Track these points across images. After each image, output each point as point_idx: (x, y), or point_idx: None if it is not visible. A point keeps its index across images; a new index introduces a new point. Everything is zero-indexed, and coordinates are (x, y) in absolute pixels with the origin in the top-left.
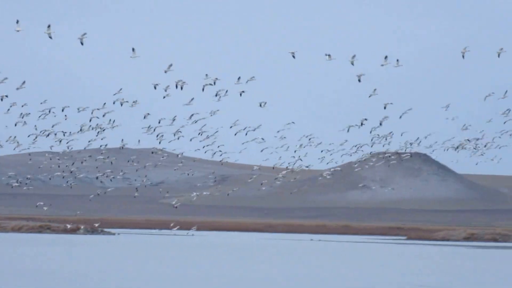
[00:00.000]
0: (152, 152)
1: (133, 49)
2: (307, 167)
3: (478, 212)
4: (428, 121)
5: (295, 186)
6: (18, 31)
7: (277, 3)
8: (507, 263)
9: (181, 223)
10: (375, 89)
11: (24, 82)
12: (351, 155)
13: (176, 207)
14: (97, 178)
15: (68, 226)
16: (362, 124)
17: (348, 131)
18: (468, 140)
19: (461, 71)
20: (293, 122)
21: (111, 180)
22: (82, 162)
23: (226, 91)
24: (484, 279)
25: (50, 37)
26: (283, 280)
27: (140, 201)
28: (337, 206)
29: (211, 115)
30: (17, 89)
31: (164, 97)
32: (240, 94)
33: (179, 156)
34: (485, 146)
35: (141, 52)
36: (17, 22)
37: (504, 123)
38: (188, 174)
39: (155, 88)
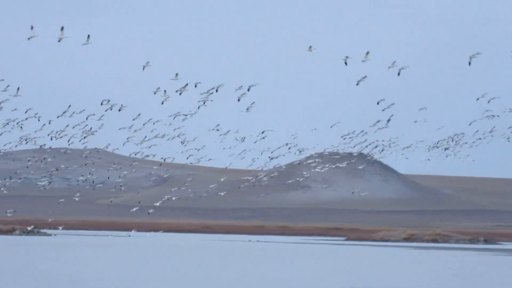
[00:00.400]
0: (99, 150)
1: (147, 63)
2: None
3: (420, 213)
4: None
5: (234, 187)
6: (61, 39)
7: (280, 10)
8: (442, 263)
9: (119, 225)
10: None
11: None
12: (296, 153)
13: (149, 213)
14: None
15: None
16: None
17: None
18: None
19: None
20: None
21: (49, 181)
22: (29, 163)
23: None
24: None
25: (59, 40)
26: (215, 282)
27: (79, 202)
28: (277, 206)
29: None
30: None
31: (162, 103)
32: (238, 99)
33: (111, 151)
34: (455, 146)
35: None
36: (62, 29)
37: (470, 124)
38: (125, 175)
39: (154, 93)
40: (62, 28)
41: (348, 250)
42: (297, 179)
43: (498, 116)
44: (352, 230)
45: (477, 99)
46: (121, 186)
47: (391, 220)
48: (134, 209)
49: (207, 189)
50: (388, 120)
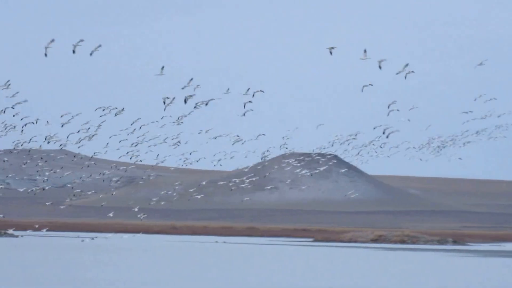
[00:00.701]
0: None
1: (162, 67)
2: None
3: (387, 214)
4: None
5: (201, 187)
6: (96, 50)
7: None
8: (409, 264)
9: (86, 226)
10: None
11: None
12: (265, 154)
13: (141, 219)
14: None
15: None
16: None
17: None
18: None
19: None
20: None
21: (14, 181)
22: None
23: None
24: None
25: (74, 51)
26: (179, 283)
27: (45, 203)
28: (244, 207)
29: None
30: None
31: (164, 109)
32: (244, 106)
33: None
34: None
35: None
36: (99, 46)
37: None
38: (91, 175)
39: (164, 102)
40: (81, 40)
41: (316, 251)
42: (265, 179)
43: (495, 99)
44: (320, 231)
45: (475, 100)
46: (85, 187)
47: (359, 221)
48: (111, 214)
49: (174, 189)
50: (387, 136)
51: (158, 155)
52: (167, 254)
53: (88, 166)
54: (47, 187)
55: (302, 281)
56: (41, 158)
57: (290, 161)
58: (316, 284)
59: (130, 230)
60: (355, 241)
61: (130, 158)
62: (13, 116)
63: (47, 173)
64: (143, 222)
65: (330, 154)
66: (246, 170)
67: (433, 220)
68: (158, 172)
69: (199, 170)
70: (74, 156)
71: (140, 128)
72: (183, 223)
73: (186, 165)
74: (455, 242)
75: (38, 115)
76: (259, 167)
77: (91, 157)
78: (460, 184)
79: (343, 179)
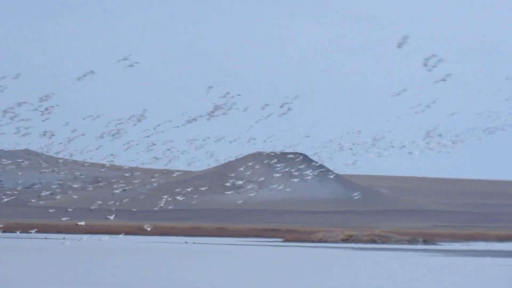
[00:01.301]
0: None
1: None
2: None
3: (357, 213)
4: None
5: (168, 187)
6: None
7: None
8: (379, 264)
9: (54, 227)
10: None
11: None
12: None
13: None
14: None
15: None
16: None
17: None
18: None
19: None
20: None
21: None
22: None
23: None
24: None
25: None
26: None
27: (10, 204)
28: (213, 207)
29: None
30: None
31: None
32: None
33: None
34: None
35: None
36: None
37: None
38: (58, 177)
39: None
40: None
41: (285, 251)
42: (232, 179)
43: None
44: (290, 231)
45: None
46: (53, 187)
47: (329, 220)
48: (78, 221)
49: (143, 190)
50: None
51: (133, 155)
52: (135, 256)
53: (54, 167)
54: (12, 188)
55: (273, 280)
56: (5, 158)
57: (259, 161)
58: (286, 284)
59: (98, 231)
60: (325, 241)
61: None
62: None
63: (11, 174)
64: (110, 223)
65: (299, 153)
66: (214, 170)
67: (403, 219)
68: (125, 172)
69: (168, 170)
70: (38, 157)
71: (115, 126)
72: (151, 223)
73: (155, 165)
74: (425, 241)
75: None
76: (227, 167)
77: (61, 158)
78: (430, 183)
79: (313, 178)
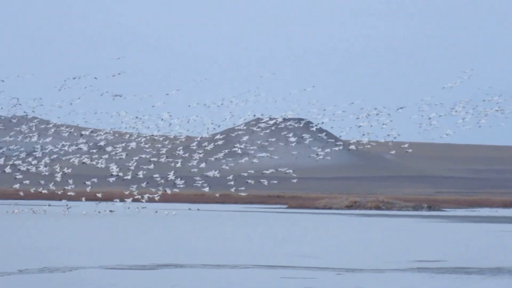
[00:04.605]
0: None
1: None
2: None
3: (362, 179)
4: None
5: (171, 154)
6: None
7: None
8: (385, 230)
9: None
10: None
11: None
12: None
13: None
14: None
15: None
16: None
17: None
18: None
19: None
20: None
21: None
22: None
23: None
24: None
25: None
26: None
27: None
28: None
29: None
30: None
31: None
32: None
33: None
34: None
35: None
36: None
37: None
38: (60, 143)
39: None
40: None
41: (290, 218)
42: (236, 145)
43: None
44: (294, 197)
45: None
46: (55, 154)
47: (333, 187)
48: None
49: (147, 157)
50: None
51: (135, 121)
52: (141, 221)
53: (55, 133)
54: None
55: (278, 247)
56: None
57: (262, 127)
58: (292, 250)
59: (102, 198)
60: (330, 208)
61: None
62: None
63: (12, 140)
64: (114, 190)
65: (302, 119)
66: (218, 136)
67: (408, 185)
68: (129, 139)
69: (169, 137)
70: (39, 122)
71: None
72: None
73: (159, 132)
74: (430, 208)
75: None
76: (230, 133)
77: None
78: (435, 149)
79: (316, 144)
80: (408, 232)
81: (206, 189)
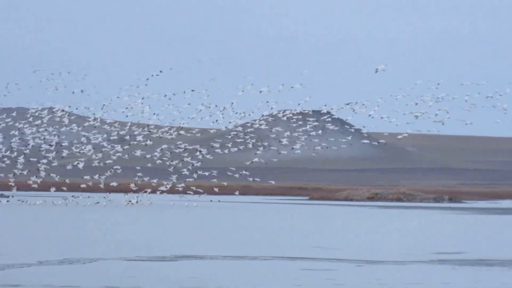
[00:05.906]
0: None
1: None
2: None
3: (383, 171)
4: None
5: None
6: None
7: None
8: (406, 222)
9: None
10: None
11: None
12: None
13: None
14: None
15: None
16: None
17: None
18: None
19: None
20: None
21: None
22: None
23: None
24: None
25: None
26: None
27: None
28: (238, 166)
29: None
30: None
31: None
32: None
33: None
34: None
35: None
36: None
37: None
38: (86, 136)
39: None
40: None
41: (312, 209)
42: (258, 137)
43: None
44: (315, 189)
45: None
46: (83, 146)
47: (354, 179)
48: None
49: (168, 149)
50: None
51: (154, 113)
52: (163, 213)
53: (80, 125)
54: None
55: (299, 239)
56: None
57: (285, 119)
58: (312, 241)
59: (125, 190)
60: (351, 199)
61: (126, 116)
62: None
63: (37, 133)
64: (135, 181)
65: (325, 112)
66: (239, 128)
67: (429, 177)
68: (152, 131)
69: (192, 128)
70: (63, 115)
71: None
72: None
73: (181, 124)
74: (451, 199)
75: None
76: (253, 125)
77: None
78: (457, 141)
79: (339, 136)
80: (429, 224)
81: (250, 179)
